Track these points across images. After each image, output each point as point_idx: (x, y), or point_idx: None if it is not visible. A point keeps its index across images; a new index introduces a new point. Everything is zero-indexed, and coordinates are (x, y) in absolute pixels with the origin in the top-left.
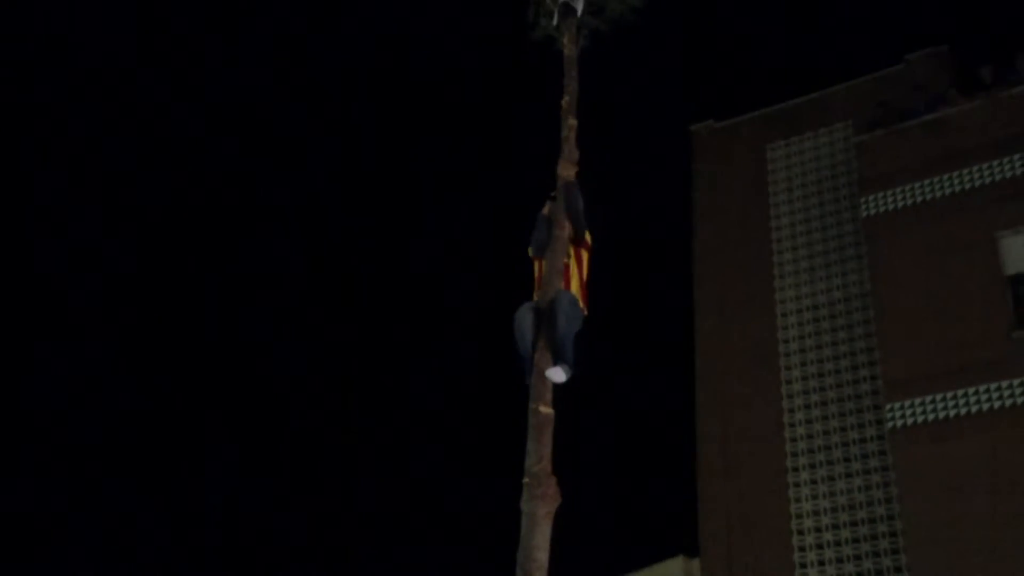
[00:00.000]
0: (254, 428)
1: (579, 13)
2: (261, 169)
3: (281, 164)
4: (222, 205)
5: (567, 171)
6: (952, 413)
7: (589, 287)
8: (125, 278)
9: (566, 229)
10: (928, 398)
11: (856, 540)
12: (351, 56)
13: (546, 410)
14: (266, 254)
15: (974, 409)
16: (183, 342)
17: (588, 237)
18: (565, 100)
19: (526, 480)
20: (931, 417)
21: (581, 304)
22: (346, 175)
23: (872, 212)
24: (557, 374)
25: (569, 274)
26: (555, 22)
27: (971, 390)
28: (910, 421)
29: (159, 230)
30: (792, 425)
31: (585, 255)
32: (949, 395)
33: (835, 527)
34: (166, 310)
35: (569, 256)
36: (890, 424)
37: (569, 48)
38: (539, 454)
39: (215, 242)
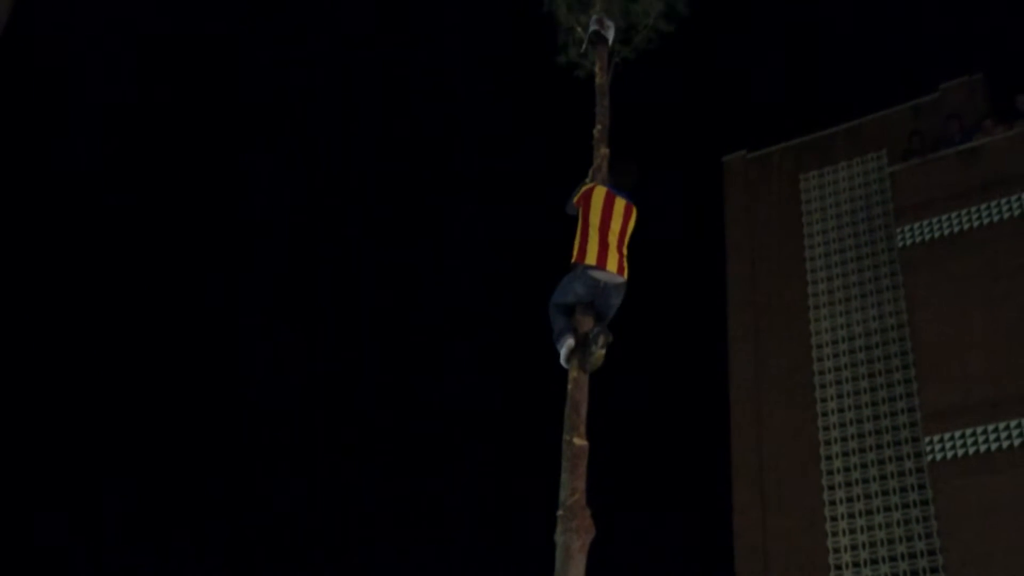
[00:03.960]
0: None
1: (610, 42)
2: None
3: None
4: (222, 208)
5: None
6: (993, 447)
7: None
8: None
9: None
10: (968, 431)
11: None
12: (371, 88)
13: (580, 442)
14: (273, 258)
15: (1017, 442)
16: (184, 342)
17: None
18: (597, 129)
19: (560, 513)
20: (971, 450)
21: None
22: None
23: (908, 242)
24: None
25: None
26: (584, 50)
27: (1013, 423)
28: (950, 454)
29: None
30: (829, 458)
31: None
32: (990, 427)
33: (874, 562)
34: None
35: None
36: (929, 457)
37: (600, 77)
38: (573, 486)
39: (220, 244)
